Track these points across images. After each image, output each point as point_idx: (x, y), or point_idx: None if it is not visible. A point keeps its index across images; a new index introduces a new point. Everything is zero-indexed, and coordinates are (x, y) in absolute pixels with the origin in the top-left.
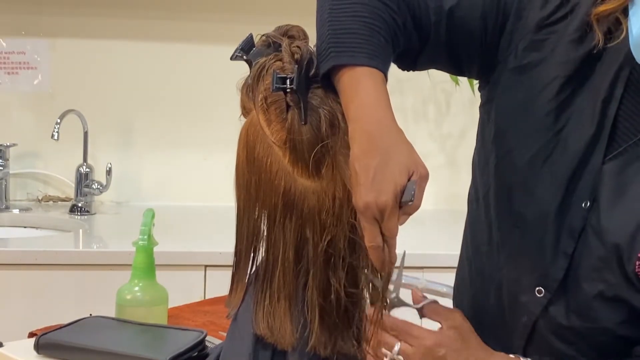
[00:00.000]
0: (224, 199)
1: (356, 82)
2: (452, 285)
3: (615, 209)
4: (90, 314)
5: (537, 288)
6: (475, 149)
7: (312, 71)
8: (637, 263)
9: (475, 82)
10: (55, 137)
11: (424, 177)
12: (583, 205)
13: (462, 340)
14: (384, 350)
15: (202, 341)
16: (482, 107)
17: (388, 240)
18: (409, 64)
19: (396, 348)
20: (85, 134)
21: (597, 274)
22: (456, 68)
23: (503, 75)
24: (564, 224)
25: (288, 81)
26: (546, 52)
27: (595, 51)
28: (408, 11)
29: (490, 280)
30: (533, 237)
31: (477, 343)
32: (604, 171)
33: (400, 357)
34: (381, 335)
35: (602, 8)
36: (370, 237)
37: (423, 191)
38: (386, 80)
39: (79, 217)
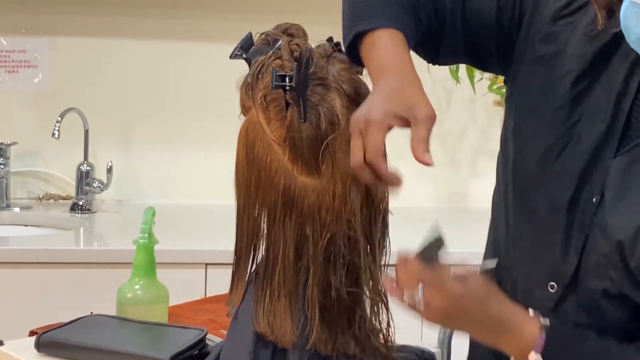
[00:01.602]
0: (224, 197)
1: (375, 42)
2: None
3: (620, 205)
4: (91, 313)
5: (550, 283)
6: (500, 146)
7: (311, 68)
8: None
9: (476, 80)
10: (56, 136)
11: (430, 117)
12: (594, 200)
13: (488, 289)
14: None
15: (203, 339)
16: (506, 102)
17: (372, 159)
18: (432, 55)
19: (419, 295)
20: (86, 133)
21: (602, 270)
22: (477, 61)
23: (521, 69)
24: (574, 219)
25: (287, 79)
26: (561, 44)
27: (594, 34)
28: None
29: (507, 275)
30: (545, 232)
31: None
32: (611, 166)
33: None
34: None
35: None
36: (353, 153)
37: (430, 130)
38: (410, 43)
39: (79, 215)
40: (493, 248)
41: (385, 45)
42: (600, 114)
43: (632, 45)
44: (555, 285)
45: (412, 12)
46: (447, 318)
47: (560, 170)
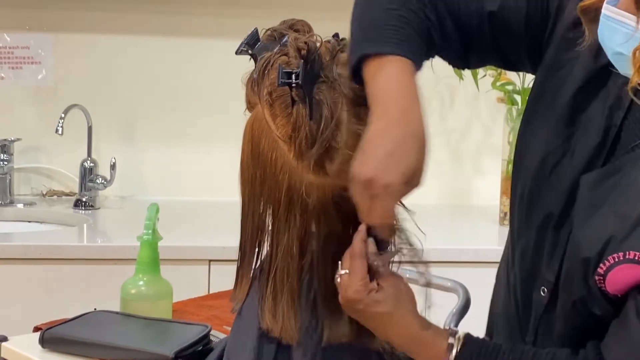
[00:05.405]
0: (228, 193)
1: (379, 68)
2: (457, 280)
3: (588, 222)
4: (95, 309)
5: (542, 287)
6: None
7: (317, 66)
8: (597, 278)
9: (479, 77)
10: (59, 132)
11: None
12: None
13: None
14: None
15: (207, 335)
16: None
17: (384, 223)
18: (460, 65)
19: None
20: (89, 129)
21: (568, 284)
22: (508, 65)
23: (538, 73)
24: (561, 231)
25: (294, 76)
26: (575, 52)
27: (582, 47)
28: (448, 14)
29: (512, 278)
30: (538, 240)
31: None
32: (580, 182)
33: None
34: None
35: (587, 2)
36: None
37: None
38: (418, 68)
39: (83, 211)
40: (505, 253)
41: (391, 76)
42: (594, 128)
43: (611, 59)
44: (546, 290)
45: (425, 34)
46: (395, 298)
47: (555, 182)
